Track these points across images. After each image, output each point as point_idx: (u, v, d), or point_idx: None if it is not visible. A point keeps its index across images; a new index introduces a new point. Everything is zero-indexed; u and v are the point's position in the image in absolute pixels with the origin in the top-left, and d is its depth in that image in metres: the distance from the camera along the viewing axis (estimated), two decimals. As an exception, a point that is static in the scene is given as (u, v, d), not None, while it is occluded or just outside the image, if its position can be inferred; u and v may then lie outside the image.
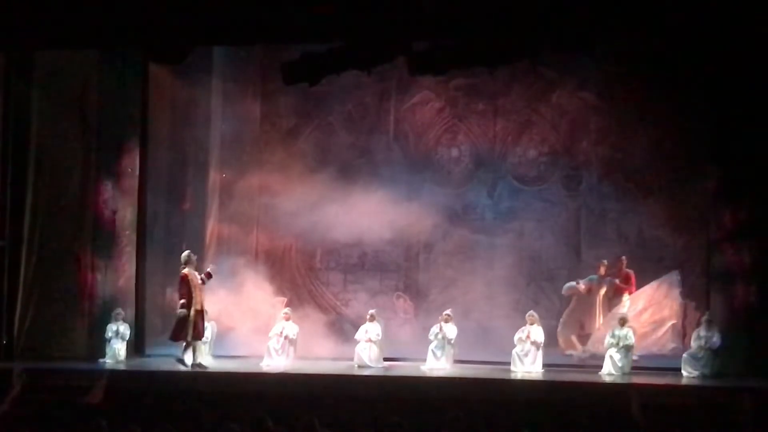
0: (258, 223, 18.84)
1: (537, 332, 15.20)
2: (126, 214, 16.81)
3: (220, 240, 18.54)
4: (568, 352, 16.30)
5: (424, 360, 15.49)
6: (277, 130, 18.98)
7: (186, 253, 15.16)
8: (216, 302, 15.79)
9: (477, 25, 12.98)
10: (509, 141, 18.28)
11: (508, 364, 15.11)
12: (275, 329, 15.75)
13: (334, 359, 15.89)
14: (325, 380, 14.14)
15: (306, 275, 18.77)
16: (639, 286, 16.48)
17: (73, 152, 16.53)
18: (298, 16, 13.12)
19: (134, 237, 16.91)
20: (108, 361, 15.77)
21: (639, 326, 15.68)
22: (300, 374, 14.53)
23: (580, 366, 15.55)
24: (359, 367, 15.45)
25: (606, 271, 16.62)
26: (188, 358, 14.81)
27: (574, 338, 16.53)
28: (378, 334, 15.63)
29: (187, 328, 14.67)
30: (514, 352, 15.14)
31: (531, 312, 15.62)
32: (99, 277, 16.56)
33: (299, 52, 14.43)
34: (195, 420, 10.84)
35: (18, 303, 16.22)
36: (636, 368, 14.83)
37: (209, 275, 14.96)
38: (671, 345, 15.99)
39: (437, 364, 15.37)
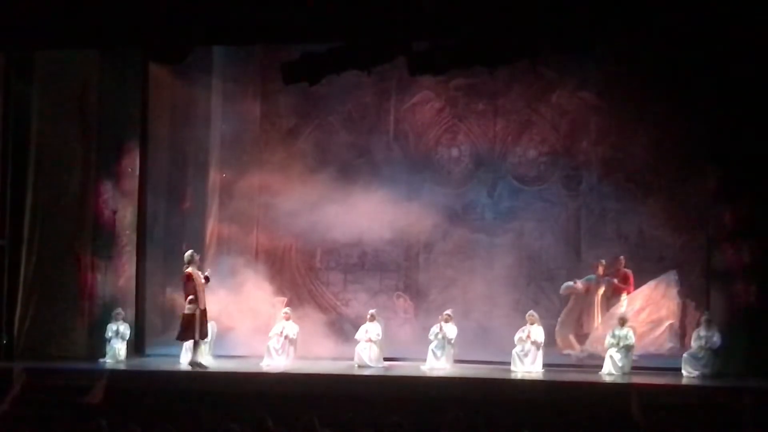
0: (258, 222, 18.84)
1: (537, 332, 15.21)
2: (126, 214, 16.82)
3: (220, 240, 18.54)
4: (566, 351, 16.31)
5: (424, 360, 15.49)
6: (277, 130, 18.98)
7: (189, 252, 15.19)
8: (216, 302, 15.78)
9: (477, 25, 12.98)
10: (509, 141, 18.28)
11: (508, 364, 15.12)
12: (275, 329, 15.75)
13: (334, 359, 15.90)
14: (325, 380, 14.14)
15: (306, 275, 18.76)
16: (639, 286, 16.47)
17: (73, 152, 16.54)
18: (298, 16, 13.11)
19: (134, 237, 16.92)
20: (108, 361, 15.78)
21: (637, 326, 15.66)
22: (300, 374, 14.53)
23: (580, 366, 15.55)
24: (359, 366, 15.45)
25: (604, 271, 16.63)
26: (195, 357, 14.82)
27: (572, 338, 16.53)
28: (378, 334, 15.63)
29: (195, 327, 14.70)
30: (514, 351, 15.15)
31: (531, 312, 15.63)
32: (99, 277, 16.57)
33: (299, 52, 14.44)
34: (195, 420, 10.85)
35: (18, 303, 16.22)
36: (636, 368, 14.83)
37: (207, 279, 15.01)
38: (669, 344, 15.99)
39: (437, 364, 15.37)
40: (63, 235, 16.41)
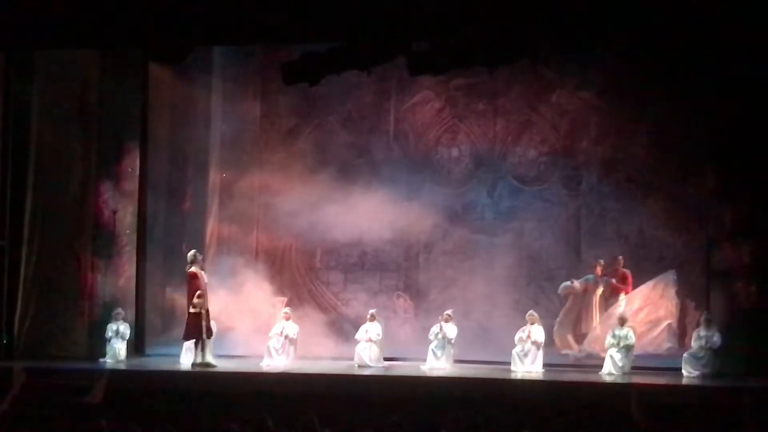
0: (258, 222, 18.84)
1: (538, 332, 15.21)
2: (126, 213, 16.84)
3: (220, 240, 18.55)
4: (564, 351, 16.32)
5: (424, 360, 15.50)
6: (277, 130, 18.98)
7: (192, 252, 15.23)
8: (216, 302, 15.79)
9: (477, 25, 12.98)
10: (509, 141, 18.27)
11: (508, 363, 15.12)
12: (275, 329, 15.76)
13: (334, 359, 15.91)
14: (325, 380, 14.14)
15: (306, 275, 18.77)
16: (638, 286, 16.48)
17: (73, 152, 16.56)
18: (298, 16, 13.11)
19: (134, 237, 16.93)
20: (108, 361, 15.79)
21: (635, 326, 15.67)
22: (300, 374, 14.53)
23: (580, 366, 15.56)
24: (359, 366, 15.46)
25: (602, 271, 16.64)
26: (198, 357, 14.82)
27: (570, 338, 16.54)
28: (378, 334, 15.63)
29: (201, 326, 14.72)
30: (514, 351, 15.15)
31: (531, 312, 15.63)
32: (99, 276, 16.59)
33: (299, 52, 14.43)
34: (195, 420, 10.85)
35: (18, 303, 16.24)
36: (636, 368, 14.83)
37: None
38: (667, 344, 16.01)
39: (437, 364, 15.38)
40: (63, 235, 16.42)
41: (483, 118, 18.37)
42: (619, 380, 14.33)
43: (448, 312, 15.76)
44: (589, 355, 16.00)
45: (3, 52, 15.81)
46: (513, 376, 14.82)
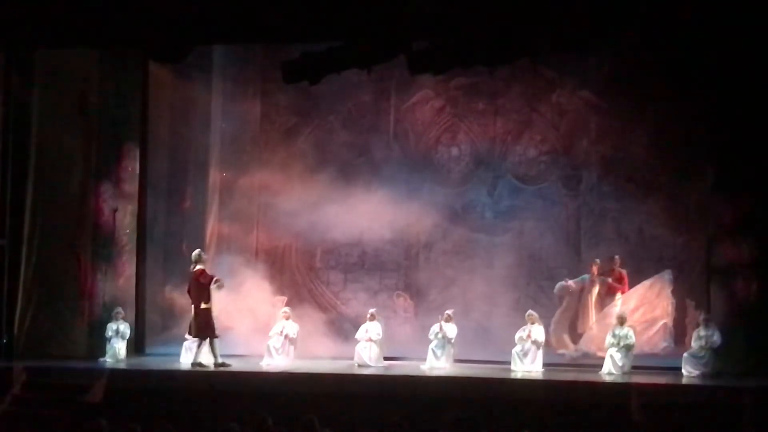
0: (258, 222, 18.84)
1: (538, 331, 15.21)
2: (126, 213, 16.83)
3: (220, 239, 18.54)
4: (560, 351, 16.31)
5: (424, 359, 15.49)
6: (277, 130, 18.97)
7: (197, 251, 15.30)
8: (216, 301, 15.77)
9: (477, 25, 12.97)
10: (509, 140, 18.27)
11: (508, 363, 15.11)
12: (275, 328, 15.76)
13: (334, 358, 15.90)
14: (325, 379, 14.14)
15: (306, 274, 18.76)
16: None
17: (73, 152, 16.55)
18: (298, 16, 13.11)
19: (134, 236, 16.92)
20: (108, 360, 15.79)
21: (631, 325, 15.66)
22: (300, 373, 14.53)
23: (579, 365, 15.55)
24: (359, 366, 15.46)
25: (599, 271, 16.65)
26: (199, 357, 14.82)
27: (566, 337, 16.54)
28: (378, 334, 15.63)
29: (212, 323, 14.74)
30: (514, 351, 15.15)
31: (530, 311, 15.62)
32: (99, 276, 16.58)
33: (299, 51, 14.43)
34: (195, 419, 10.87)
35: (18, 302, 16.23)
36: (636, 368, 14.82)
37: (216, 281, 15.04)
38: (663, 344, 16.01)
39: (437, 364, 15.38)
40: (63, 235, 16.42)
41: (483, 118, 18.37)
42: (619, 380, 14.32)
43: (449, 312, 15.76)
44: (585, 355, 16.01)
45: (3, 52, 15.81)
46: (513, 375, 14.81)
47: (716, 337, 14.50)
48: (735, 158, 15.22)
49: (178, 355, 15.84)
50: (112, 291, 16.64)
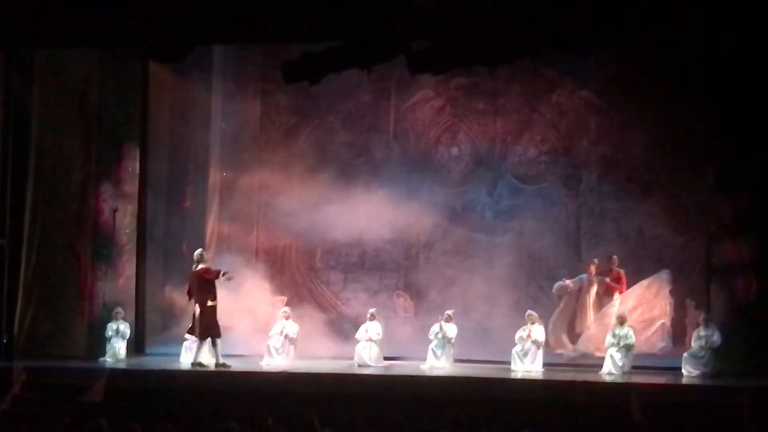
0: (258, 222, 18.84)
1: (538, 331, 15.21)
2: (126, 213, 16.84)
3: (220, 239, 18.54)
4: (559, 351, 16.32)
5: (424, 359, 15.50)
6: (277, 129, 18.97)
7: (199, 251, 15.30)
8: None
9: (477, 25, 12.98)
10: (509, 140, 18.28)
11: (508, 363, 15.12)
12: (275, 328, 15.76)
13: (334, 358, 15.91)
14: (325, 379, 14.14)
15: (306, 274, 18.77)
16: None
17: (73, 152, 16.55)
18: (298, 16, 13.11)
19: (134, 236, 16.93)
20: (108, 360, 15.79)
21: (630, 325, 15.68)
22: (300, 373, 14.53)
23: (578, 365, 15.55)
24: (359, 366, 15.46)
25: (597, 271, 16.65)
26: (199, 357, 14.80)
27: (564, 337, 16.55)
28: (378, 333, 15.64)
29: (217, 322, 14.74)
30: (514, 351, 15.15)
31: (529, 311, 15.62)
32: (99, 275, 16.60)
33: (299, 51, 14.43)
34: (195, 419, 10.85)
35: (18, 302, 16.23)
36: (636, 367, 14.83)
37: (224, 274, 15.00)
38: (661, 344, 16.02)
39: (437, 363, 15.39)
40: (63, 235, 16.42)
41: (483, 118, 18.37)
42: (619, 380, 14.32)
43: (449, 312, 15.77)
44: (583, 355, 16.02)
45: (3, 52, 15.81)
46: (513, 375, 14.82)
47: (716, 337, 14.50)
48: (735, 158, 15.23)
49: (178, 355, 15.84)
50: (112, 291, 16.64)
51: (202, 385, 14.05)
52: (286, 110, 18.86)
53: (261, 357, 15.55)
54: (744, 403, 12.68)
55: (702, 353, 14.55)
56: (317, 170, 18.12)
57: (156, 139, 17.56)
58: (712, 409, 12.60)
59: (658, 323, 16.08)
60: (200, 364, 14.76)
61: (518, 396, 13.35)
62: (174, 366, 15.45)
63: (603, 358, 15.03)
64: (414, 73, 14.94)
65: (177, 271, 17.20)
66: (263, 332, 15.93)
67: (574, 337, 16.53)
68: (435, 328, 15.58)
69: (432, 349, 15.50)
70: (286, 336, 15.62)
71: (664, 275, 16.35)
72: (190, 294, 15.04)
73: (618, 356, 14.72)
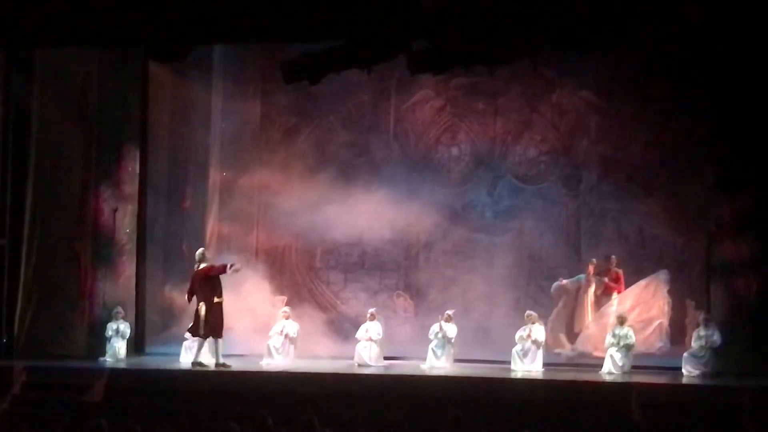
0: (258, 222, 18.84)
1: (538, 331, 15.21)
2: (126, 212, 16.83)
3: (220, 239, 18.53)
4: (557, 350, 16.30)
5: (424, 359, 15.50)
6: (277, 129, 18.97)
7: (201, 250, 15.30)
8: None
9: (477, 25, 12.98)
10: (509, 140, 18.28)
11: (508, 363, 15.12)
12: (275, 328, 15.76)
13: (334, 358, 15.90)
14: (325, 379, 14.14)
15: (306, 274, 18.77)
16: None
17: (73, 152, 16.56)
18: (298, 16, 13.12)
19: (134, 235, 16.92)
20: (108, 360, 15.79)
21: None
22: (300, 373, 14.53)
23: (578, 365, 15.55)
24: (359, 366, 15.46)
25: (595, 270, 16.66)
26: (200, 357, 14.79)
27: (562, 337, 16.54)
28: (378, 333, 15.64)
29: (222, 321, 14.72)
30: (514, 350, 15.15)
31: (529, 312, 15.61)
32: (99, 275, 16.59)
33: (299, 51, 14.43)
34: (195, 419, 10.85)
35: (18, 302, 16.24)
36: (636, 367, 14.83)
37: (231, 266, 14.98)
38: (659, 344, 15.99)
39: (437, 363, 15.39)
40: (63, 235, 16.43)
41: (483, 118, 18.37)
42: (619, 379, 14.32)
43: (449, 312, 15.76)
44: (582, 354, 16.01)
45: (3, 52, 15.81)
46: (513, 375, 14.81)
47: (716, 337, 14.50)
48: (735, 158, 15.22)
49: (178, 354, 15.85)
50: (112, 291, 16.64)
51: (202, 385, 14.05)
52: (286, 110, 18.85)
53: (261, 357, 15.55)
54: (744, 403, 12.67)
55: (702, 353, 14.55)
56: (317, 170, 18.12)
57: (156, 139, 17.55)
58: (712, 409, 12.60)
59: (656, 323, 16.06)
60: (200, 364, 14.75)
61: (518, 396, 13.34)
62: (174, 366, 15.45)
63: (601, 358, 15.04)
64: (414, 73, 14.94)
65: (177, 271, 17.21)
66: (263, 332, 15.92)
67: (572, 336, 16.53)
68: (435, 328, 15.58)
69: (432, 349, 15.50)
70: (286, 336, 15.62)
71: (662, 275, 16.34)
72: (190, 295, 14.97)
73: (618, 356, 14.72)
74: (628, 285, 16.49)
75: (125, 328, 16.09)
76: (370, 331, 15.68)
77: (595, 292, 16.61)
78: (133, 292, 16.86)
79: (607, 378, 14.52)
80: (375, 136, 18.62)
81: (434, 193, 18.22)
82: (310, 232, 18.21)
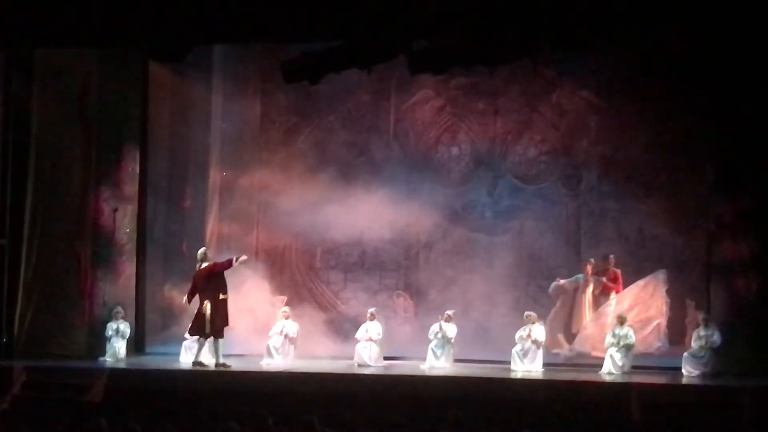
0: (258, 222, 18.85)
1: (538, 331, 15.21)
2: (126, 212, 16.82)
3: (220, 238, 18.53)
4: (555, 350, 16.30)
5: (424, 359, 15.50)
6: (277, 129, 18.98)
7: (202, 250, 15.33)
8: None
9: (477, 24, 12.98)
10: (509, 140, 18.28)
11: (508, 363, 15.11)
12: (275, 328, 15.76)
13: (334, 358, 15.90)
14: (325, 379, 14.14)
15: (306, 274, 18.77)
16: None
17: (73, 152, 16.55)
18: (298, 16, 13.12)
19: (134, 236, 16.91)
20: (108, 360, 15.79)
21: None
22: (300, 373, 14.53)
23: (578, 365, 15.55)
24: (359, 366, 15.45)
25: (593, 270, 16.66)
26: (201, 356, 14.78)
27: (560, 337, 16.53)
28: (378, 333, 15.63)
29: (227, 319, 14.70)
30: (513, 350, 15.15)
31: (528, 312, 15.61)
32: (99, 275, 16.59)
33: (299, 50, 14.43)
34: (195, 418, 10.85)
35: (18, 302, 16.23)
36: (636, 367, 14.83)
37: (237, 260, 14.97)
38: (657, 344, 15.98)
39: (437, 363, 15.38)
40: (63, 235, 16.42)
41: (483, 117, 18.38)
42: (619, 380, 14.32)
43: (449, 312, 15.76)
44: (580, 354, 16.00)
45: (3, 52, 15.81)
46: (513, 375, 14.81)
47: (716, 337, 14.50)
48: (735, 158, 15.22)
49: (178, 354, 15.85)
50: (112, 291, 16.63)
51: (202, 385, 14.05)
52: (286, 110, 18.86)
53: (261, 357, 15.55)
54: (744, 403, 12.67)
55: (702, 353, 14.54)
56: (317, 170, 18.12)
57: (156, 139, 17.55)
58: (712, 409, 12.60)
59: (654, 323, 16.05)
60: (200, 364, 14.74)
61: (518, 396, 13.34)
62: (174, 366, 15.45)
63: (600, 358, 15.03)
64: (414, 73, 14.95)
65: (177, 271, 17.21)
66: (263, 332, 15.92)
67: (570, 336, 16.52)
68: (435, 328, 15.58)
69: (432, 349, 15.50)
70: (286, 336, 15.62)
71: (661, 275, 16.33)
72: (191, 296, 14.94)
73: (618, 356, 14.72)
74: (627, 285, 16.49)
75: (125, 327, 16.09)
76: (370, 331, 15.68)
77: (593, 292, 16.60)
78: (133, 292, 16.86)
79: (607, 378, 14.52)
80: (375, 136, 18.63)
81: (434, 193, 18.22)
82: (310, 232, 18.22)
